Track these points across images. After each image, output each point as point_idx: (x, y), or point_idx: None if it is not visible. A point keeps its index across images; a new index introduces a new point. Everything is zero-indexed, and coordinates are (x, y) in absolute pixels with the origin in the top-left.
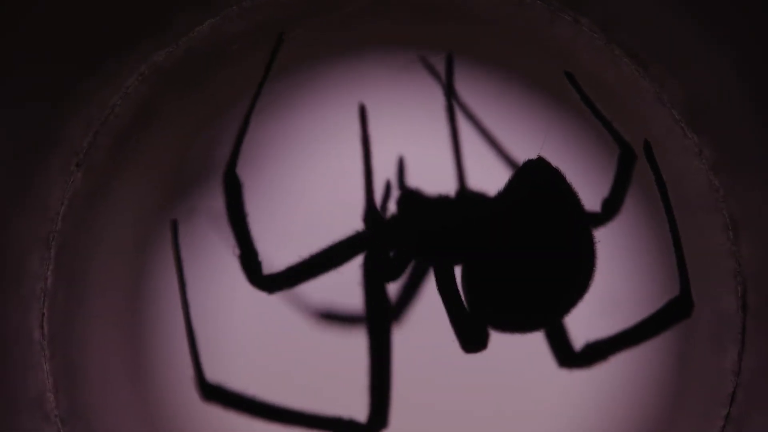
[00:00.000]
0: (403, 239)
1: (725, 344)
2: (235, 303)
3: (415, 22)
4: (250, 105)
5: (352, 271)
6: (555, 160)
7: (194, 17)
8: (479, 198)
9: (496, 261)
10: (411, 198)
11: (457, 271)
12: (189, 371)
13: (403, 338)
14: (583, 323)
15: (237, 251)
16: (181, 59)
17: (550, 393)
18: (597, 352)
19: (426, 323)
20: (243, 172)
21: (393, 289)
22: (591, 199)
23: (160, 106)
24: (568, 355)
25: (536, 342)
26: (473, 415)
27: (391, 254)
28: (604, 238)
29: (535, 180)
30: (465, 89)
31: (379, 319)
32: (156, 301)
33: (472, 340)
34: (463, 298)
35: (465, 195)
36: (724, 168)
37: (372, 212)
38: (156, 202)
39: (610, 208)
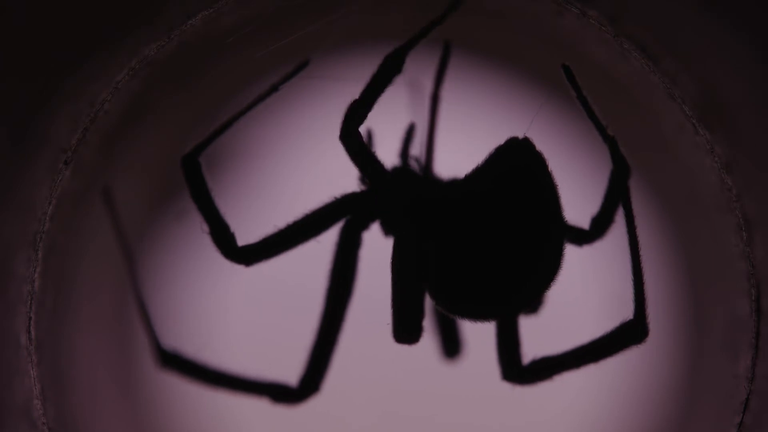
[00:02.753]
0: (388, 205)
1: (738, 350)
2: (228, 300)
3: (419, 15)
4: (243, 110)
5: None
6: (555, 155)
7: (187, 9)
8: (458, 180)
9: (459, 242)
10: (404, 170)
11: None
12: (179, 379)
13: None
14: (588, 325)
15: (205, 228)
16: (174, 53)
17: (559, 398)
18: (543, 369)
19: None
20: (238, 169)
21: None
22: (585, 203)
23: (152, 102)
24: (514, 369)
25: (539, 346)
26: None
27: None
28: (610, 236)
29: (514, 160)
30: (469, 82)
31: (340, 288)
32: (146, 306)
33: (407, 330)
34: (414, 282)
35: (450, 179)
36: (737, 166)
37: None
38: (147, 203)
39: (599, 226)
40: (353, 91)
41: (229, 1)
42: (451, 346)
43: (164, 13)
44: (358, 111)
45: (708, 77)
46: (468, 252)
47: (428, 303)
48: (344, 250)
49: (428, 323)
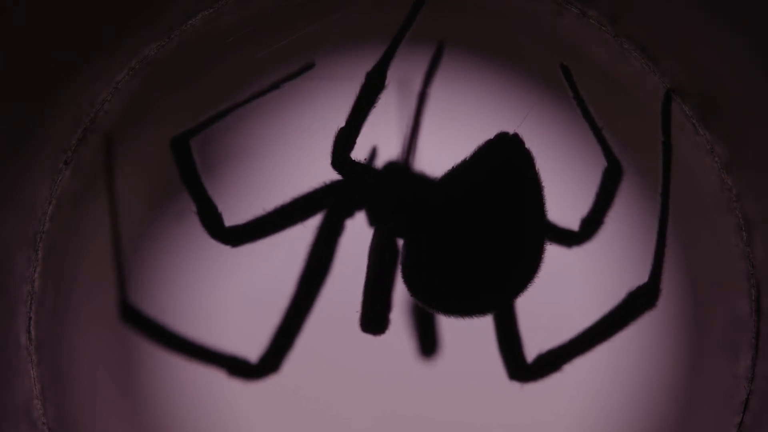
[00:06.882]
0: (371, 195)
1: (738, 350)
2: (228, 300)
3: (419, 15)
4: (240, 102)
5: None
6: (553, 154)
7: (187, 9)
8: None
9: (440, 237)
10: (395, 167)
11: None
12: (179, 379)
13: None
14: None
15: (194, 208)
16: (174, 53)
17: (558, 399)
18: (550, 362)
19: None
20: (237, 169)
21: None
22: (577, 203)
23: (152, 102)
24: (519, 367)
25: (537, 346)
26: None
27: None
28: (609, 237)
29: (501, 156)
30: (469, 82)
31: (314, 271)
32: (146, 306)
33: (375, 320)
34: (388, 273)
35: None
36: (737, 166)
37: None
38: (147, 203)
39: (588, 228)
40: (354, 90)
41: (229, 1)
42: (428, 345)
43: (164, 13)
44: (346, 137)
45: (708, 77)
46: (446, 247)
47: (407, 301)
48: (325, 234)
49: (405, 321)
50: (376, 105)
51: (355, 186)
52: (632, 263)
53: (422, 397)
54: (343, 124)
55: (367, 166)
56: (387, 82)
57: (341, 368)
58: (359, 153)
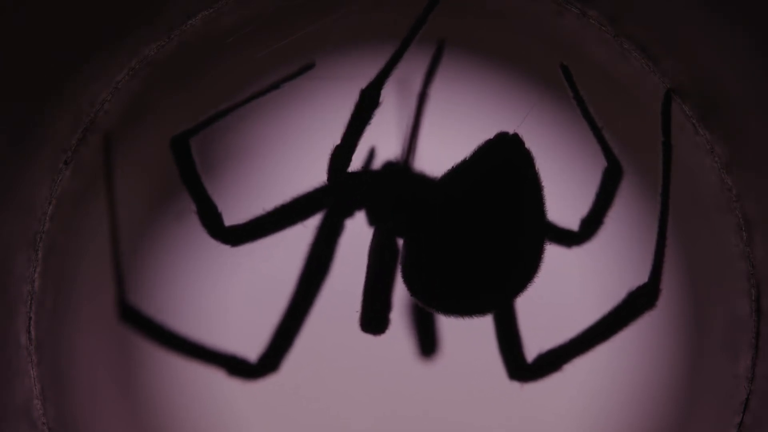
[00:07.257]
0: (369, 197)
1: (738, 350)
2: (228, 300)
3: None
4: (240, 102)
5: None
6: (553, 154)
7: (187, 9)
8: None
9: (440, 237)
10: (392, 167)
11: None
12: (179, 379)
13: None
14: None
15: (194, 208)
16: (174, 53)
17: (558, 398)
18: (550, 362)
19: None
20: (237, 169)
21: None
22: (577, 203)
23: (152, 102)
24: (519, 367)
25: (537, 346)
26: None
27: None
28: (609, 238)
29: (502, 156)
30: (470, 82)
31: (314, 271)
32: (146, 306)
33: (375, 320)
34: (388, 273)
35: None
36: (737, 166)
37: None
38: (147, 203)
39: (588, 228)
40: (354, 90)
41: (229, 1)
42: (427, 345)
43: (164, 13)
44: (342, 154)
45: (708, 77)
46: (446, 247)
47: (407, 301)
48: (325, 234)
49: (405, 321)
50: (371, 122)
51: (354, 193)
52: (632, 263)
53: (422, 397)
54: (338, 141)
55: (365, 174)
56: (381, 99)
57: (341, 368)
58: (359, 155)
